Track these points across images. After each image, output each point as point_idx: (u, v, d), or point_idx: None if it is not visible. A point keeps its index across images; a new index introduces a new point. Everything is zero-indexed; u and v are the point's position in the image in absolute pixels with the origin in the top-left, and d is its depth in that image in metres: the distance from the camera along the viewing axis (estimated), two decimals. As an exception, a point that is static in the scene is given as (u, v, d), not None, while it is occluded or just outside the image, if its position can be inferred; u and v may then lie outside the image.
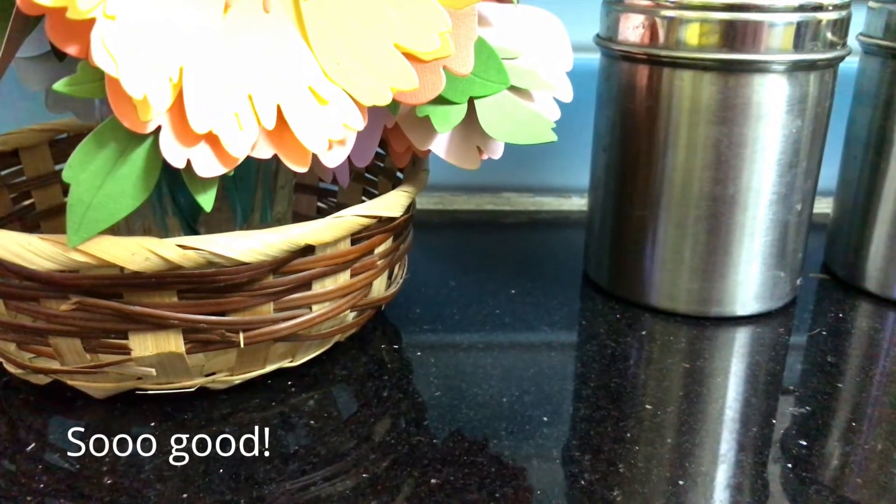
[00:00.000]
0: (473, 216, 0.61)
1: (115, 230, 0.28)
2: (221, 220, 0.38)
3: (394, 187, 0.44)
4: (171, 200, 0.36)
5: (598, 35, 0.44)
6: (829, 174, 0.48)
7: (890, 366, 0.38)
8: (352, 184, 0.47)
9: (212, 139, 0.28)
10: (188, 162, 0.27)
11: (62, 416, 0.33)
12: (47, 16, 0.25)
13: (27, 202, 0.44)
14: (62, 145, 0.45)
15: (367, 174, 0.47)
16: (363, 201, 0.48)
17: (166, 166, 0.28)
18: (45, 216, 0.44)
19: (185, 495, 0.29)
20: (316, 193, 0.50)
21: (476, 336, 0.41)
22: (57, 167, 0.45)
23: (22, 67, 0.38)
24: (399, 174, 0.44)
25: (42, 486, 0.29)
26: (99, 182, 0.27)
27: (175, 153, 0.27)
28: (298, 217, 0.49)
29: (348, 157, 0.32)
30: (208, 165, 0.28)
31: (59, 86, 0.26)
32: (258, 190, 0.39)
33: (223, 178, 0.29)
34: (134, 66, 0.25)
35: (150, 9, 0.26)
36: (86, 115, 0.41)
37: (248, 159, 0.29)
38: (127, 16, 0.25)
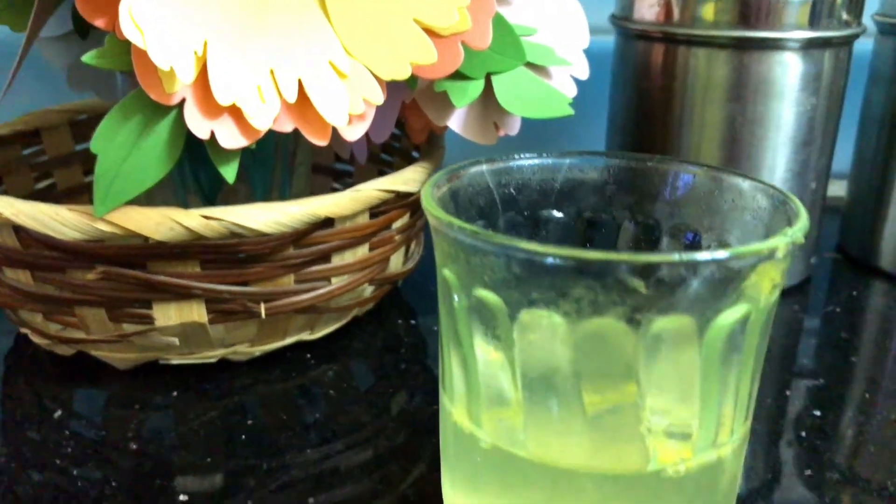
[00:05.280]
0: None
1: (137, 205, 0.29)
2: (240, 200, 0.38)
3: (410, 167, 0.44)
4: (192, 178, 0.37)
5: (613, 15, 0.44)
6: (844, 157, 0.48)
7: (904, 342, 0.39)
8: (368, 165, 0.48)
9: (235, 111, 0.28)
10: (212, 133, 0.28)
11: (87, 387, 0.34)
12: (76, -12, 0.26)
13: (48, 182, 0.44)
14: (83, 126, 0.45)
15: (383, 155, 0.48)
16: (379, 182, 0.48)
17: (189, 142, 0.29)
18: (66, 196, 0.45)
19: (208, 460, 0.29)
20: (331, 174, 0.50)
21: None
22: (77, 147, 0.45)
23: (45, 46, 0.38)
24: (415, 154, 0.45)
25: (70, 450, 0.30)
26: (125, 153, 0.28)
27: (199, 124, 0.28)
28: (315, 197, 0.49)
29: (366, 132, 0.33)
30: (231, 137, 0.28)
31: (87, 58, 0.27)
32: (276, 169, 0.39)
33: (243, 157, 0.29)
34: (160, 38, 0.26)
35: (175, -18, 0.27)
36: (107, 94, 0.41)
37: (269, 137, 0.29)
38: (153, -12, 0.26)
